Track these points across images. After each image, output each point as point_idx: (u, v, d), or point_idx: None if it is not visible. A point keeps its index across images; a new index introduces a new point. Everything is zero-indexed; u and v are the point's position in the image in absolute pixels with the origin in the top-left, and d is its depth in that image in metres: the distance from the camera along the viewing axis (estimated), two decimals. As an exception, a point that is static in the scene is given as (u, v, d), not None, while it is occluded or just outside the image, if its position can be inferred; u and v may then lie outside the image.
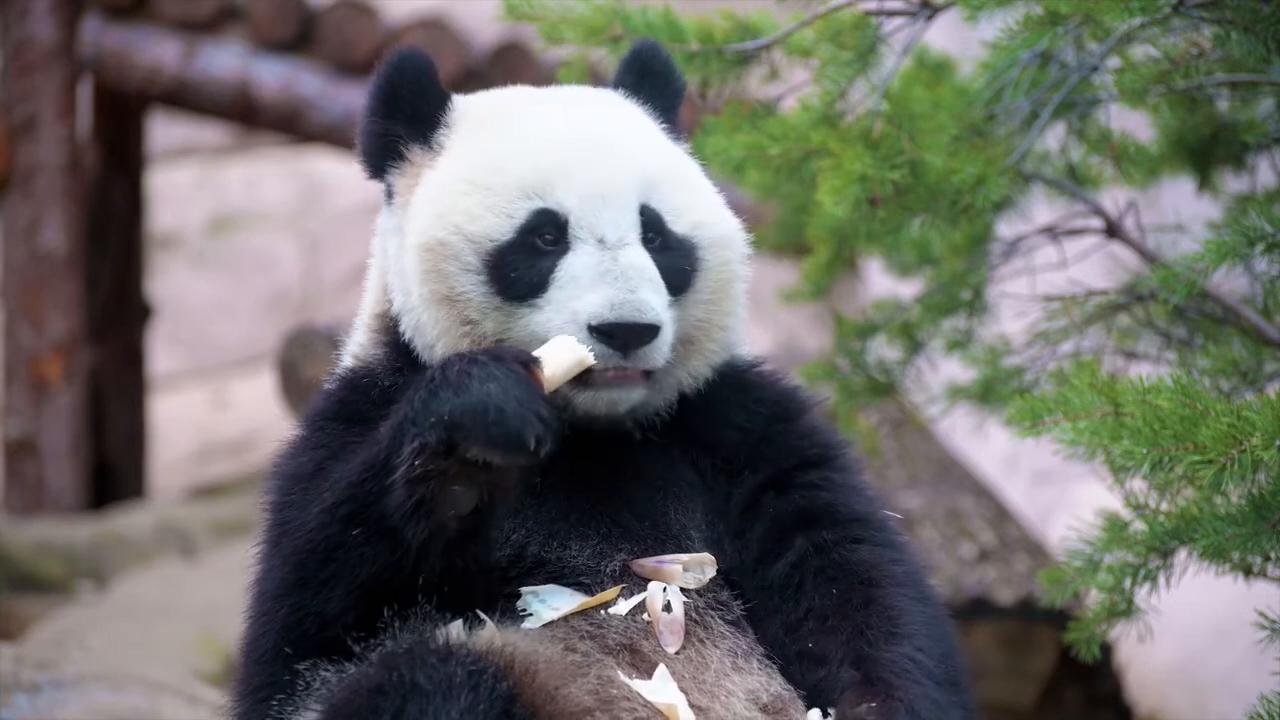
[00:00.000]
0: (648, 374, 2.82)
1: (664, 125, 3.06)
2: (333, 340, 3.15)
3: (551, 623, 2.76)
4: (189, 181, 13.28)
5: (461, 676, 2.60)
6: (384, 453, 2.64)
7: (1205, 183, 4.19)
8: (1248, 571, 3.41)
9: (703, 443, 2.94)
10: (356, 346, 3.04)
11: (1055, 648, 5.66)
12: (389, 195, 3.02)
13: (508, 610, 2.77)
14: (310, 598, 2.72)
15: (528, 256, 2.83)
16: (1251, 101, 3.92)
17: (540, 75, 7.66)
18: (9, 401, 9.25)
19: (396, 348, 2.94)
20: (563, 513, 2.83)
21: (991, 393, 4.21)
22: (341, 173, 12.26)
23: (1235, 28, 3.37)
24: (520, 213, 2.84)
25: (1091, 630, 3.47)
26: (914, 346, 4.31)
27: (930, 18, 3.71)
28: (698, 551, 2.85)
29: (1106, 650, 5.78)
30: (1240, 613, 3.45)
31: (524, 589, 2.79)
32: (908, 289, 4.51)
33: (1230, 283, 3.84)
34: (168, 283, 12.59)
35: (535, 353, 2.68)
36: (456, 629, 2.72)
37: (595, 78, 3.61)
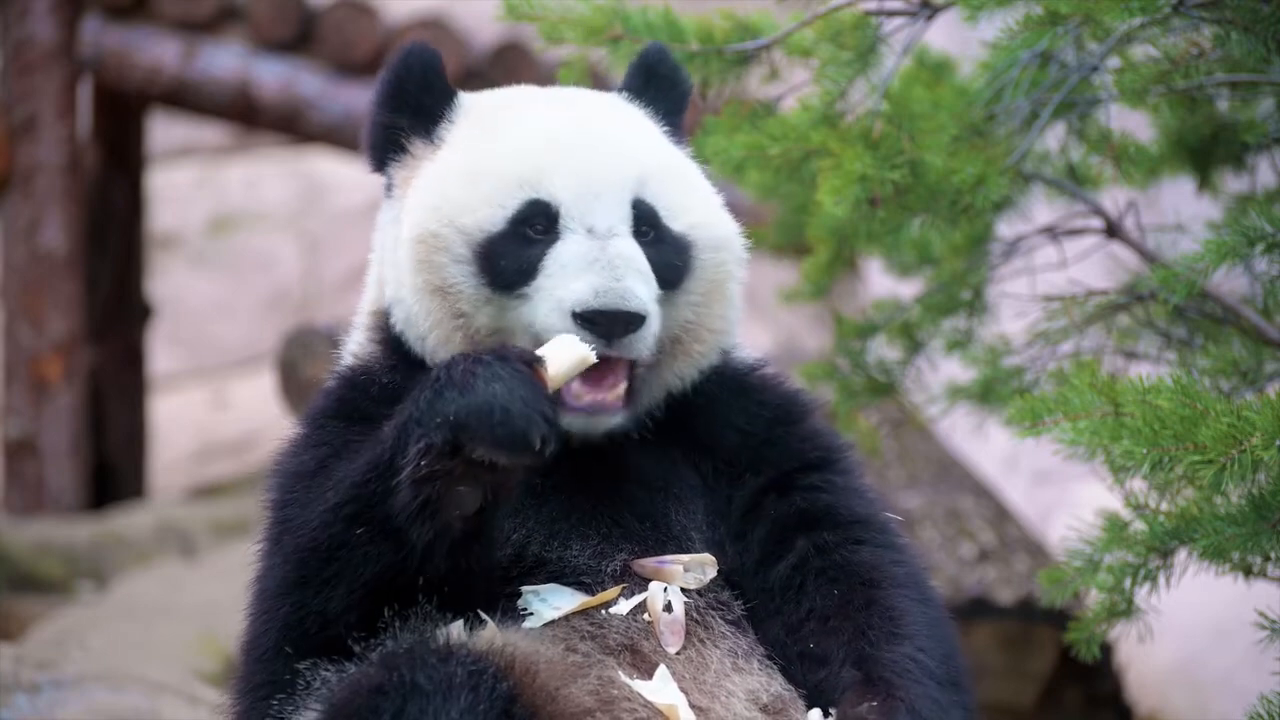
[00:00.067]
0: (629, 396, 2.81)
1: (667, 128, 3.06)
2: (333, 340, 3.16)
3: (552, 623, 2.76)
4: (189, 181, 13.28)
5: (462, 676, 2.60)
6: (388, 453, 2.65)
7: (1205, 183, 4.19)
8: (1248, 571, 3.41)
9: (704, 445, 2.95)
10: (355, 345, 3.04)
11: (1055, 648, 5.66)
12: (389, 189, 3.03)
13: (508, 610, 2.77)
14: (312, 596, 2.72)
15: (518, 246, 2.84)
16: (1251, 101, 3.92)
17: (540, 75, 7.67)
18: (9, 401, 9.25)
19: (391, 344, 2.95)
20: (564, 512, 2.84)
21: (991, 393, 4.21)
22: (341, 173, 12.27)
23: (1235, 28, 3.37)
24: (512, 203, 2.85)
25: (1091, 630, 3.47)
26: (914, 346, 4.31)
27: (930, 18, 3.71)
28: (698, 552, 2.85)
29: (1106, 650, 5.78)
30: (1240, 613, 3.45)
31: (525, 588, 2.79)
32: (908, 289, 4.51)
33: (1230, 283, 3.84)
34: (168, 283, 12.59)
35: (538, 351, 2.68)
36: (457, 629, 2.72)
37: (595, 78, 3.62)
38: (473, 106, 3.01)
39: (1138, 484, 3.35)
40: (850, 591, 2.83)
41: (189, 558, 7.83)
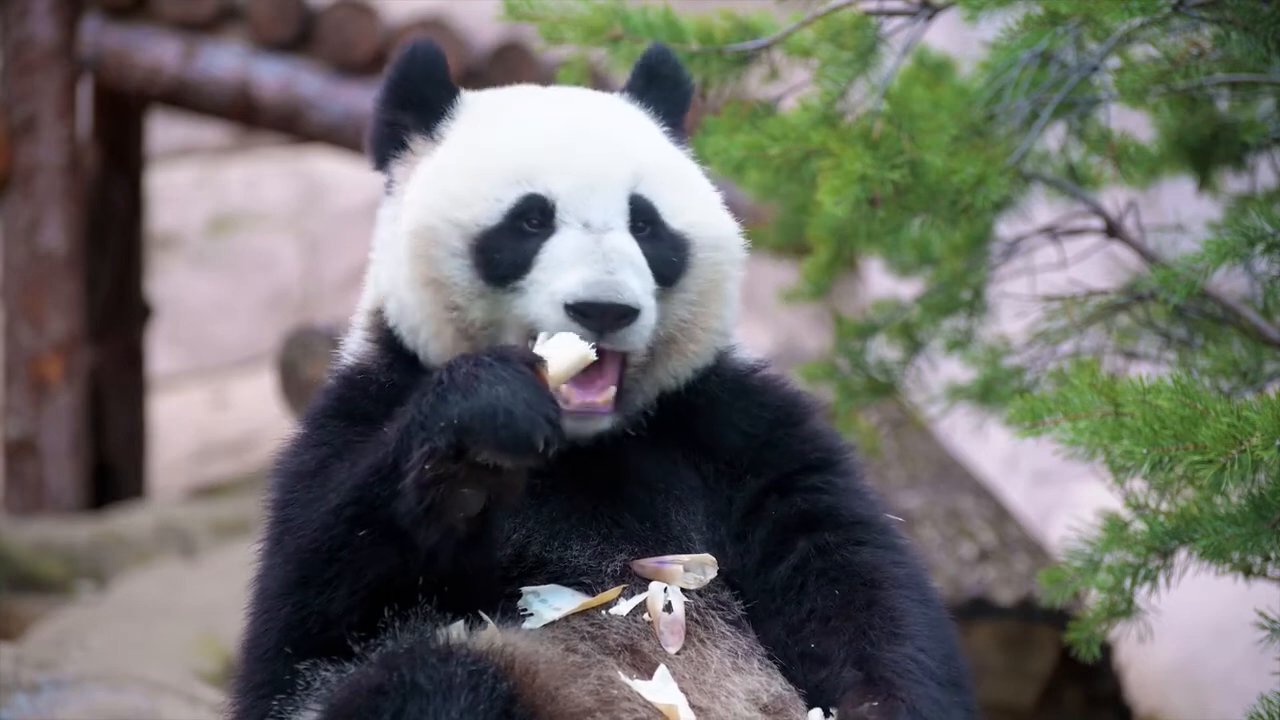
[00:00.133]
0: (620, 396, 2.81)
1: (668, 128, 3.06)
2: (333, 340, 3.16)
3: (552, 623, 2.76)
4: (189, 181, 13.28)
5: (462, 676, 2.60)
6: (392, 456, 2.65)
7: (1205, 183, 4.19)
8: (1248, 571, 3.41)
9: (705, 446, 2.95)
10: (353, 344, 3.05)
11: (1055, 648, 5.66)
12: (389, 185, 3.03)
13: (509, 610, 2.77)
14: (314, 597, 2.72)
15: (513, 240, 2.84)
16: (1251, 101, 3.92)
17: (540, 75, 7.66)
18: (9, 401, 9.25)
19: (387, 343, 2.96)
20: (564, 513, 2.84)
21: (991, 393, 4.21)
22: (341, 173, 12.27)
23: (1235, 28, 3.37)
24: (508, 198, 2.85)
25: (1091, 630, 3.47)
26: (914, 346, 4.31)
27: (930, 18, 3.71)
28: (699, 553, 2.85)
29: (1106, 650, 5.78)
30: (1240, 613, 3.45)
31: (525, 589, 2.79)
32: (908, 289, 4.51)
33: (1230, 283, 3.84)
34: (168, 283, 12.59)
35: (538, 350, 2.68)
36: (457, 629, 2.72)
37: (595, 78, 3.62)
38: (473, 104, 3.02)
39: (1138, 484, 3.36)
40: (851, 592, 2.83)
41: (189, 558, 7.83)
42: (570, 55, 3.73)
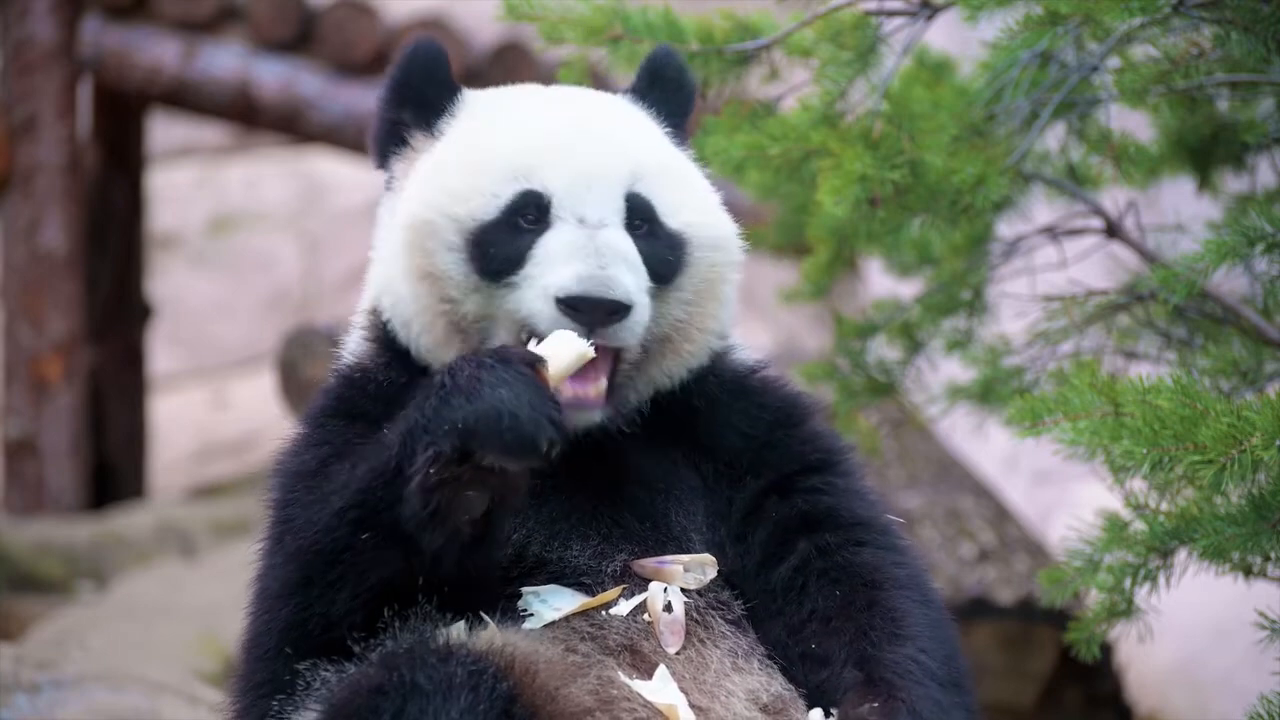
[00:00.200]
0: (611, 390, 2.81)
1: (669, 129, 3.07)
2: (333, 340, 3.17)
3: (552, 623, 2.76)
4: (189, 181, 13.28)
5: (461, 676, 2.60)
6: (395, 460, 2.65)
7: (1205, 183, 4.19)
8: (1248, 571, 3.41)
9: (704, 447, 2.95)
10: (353, 343, 3.05)
11: (1055, 648, 5.66)
12: (389, 182, 3.04)
13: (509, 610, 2.77)
14: (315, 598, 2.72)
15: (508, 235, 2.84)
16: (1251, 101, 3.92)
17: (540, 75, 7.66)
18: (9, 401, 9.25)
19: (385, 341, 2.96)
20: (564, 513, 2.84)
21: (991, 393, 4.21)
22: (341, 173, 12.27)
23: (1235, 28, 3.37)
24: (505, 193, 2.86)
25: (1091, 630, 3.47)
26: (914, 346, 4.31)
27: (930, 18, 3.71)
28: (699, 553, 2.85)
29: (1106, 650, 5.78)
30: (1240, 613, 3.45)
31: (525, 589, 2.79)
32: (908, 289, 4.51)
33: (1230, 283, 3.84)
34: (168, 283, 12.59)
35: (538, 349, 2.68)
36: (457, 629, 2.72)
37: (595, 78, 3.62)
38: (474, 101, 3.02)
39: (1138, 484, 3.35)
40: (852, 593, 2.83)
41: (189, 558, 7.83)
42: (570, 55, 3.73)
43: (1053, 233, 4.14)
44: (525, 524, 2.81)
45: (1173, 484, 3.29)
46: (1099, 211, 4.05)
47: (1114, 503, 3.49)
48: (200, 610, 5.92)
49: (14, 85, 9.15)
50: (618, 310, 2.76)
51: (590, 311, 2.75)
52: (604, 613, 2.78)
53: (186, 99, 9.33)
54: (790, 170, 3.67)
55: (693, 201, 2.97)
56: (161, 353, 12.00)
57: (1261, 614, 3.26)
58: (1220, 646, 5.94)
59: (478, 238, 2.85)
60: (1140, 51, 3.67)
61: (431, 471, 2.60)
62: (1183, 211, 4.26)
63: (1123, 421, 3.07)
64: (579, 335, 2.73)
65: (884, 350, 4.31)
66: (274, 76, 9.14)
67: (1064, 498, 6.60)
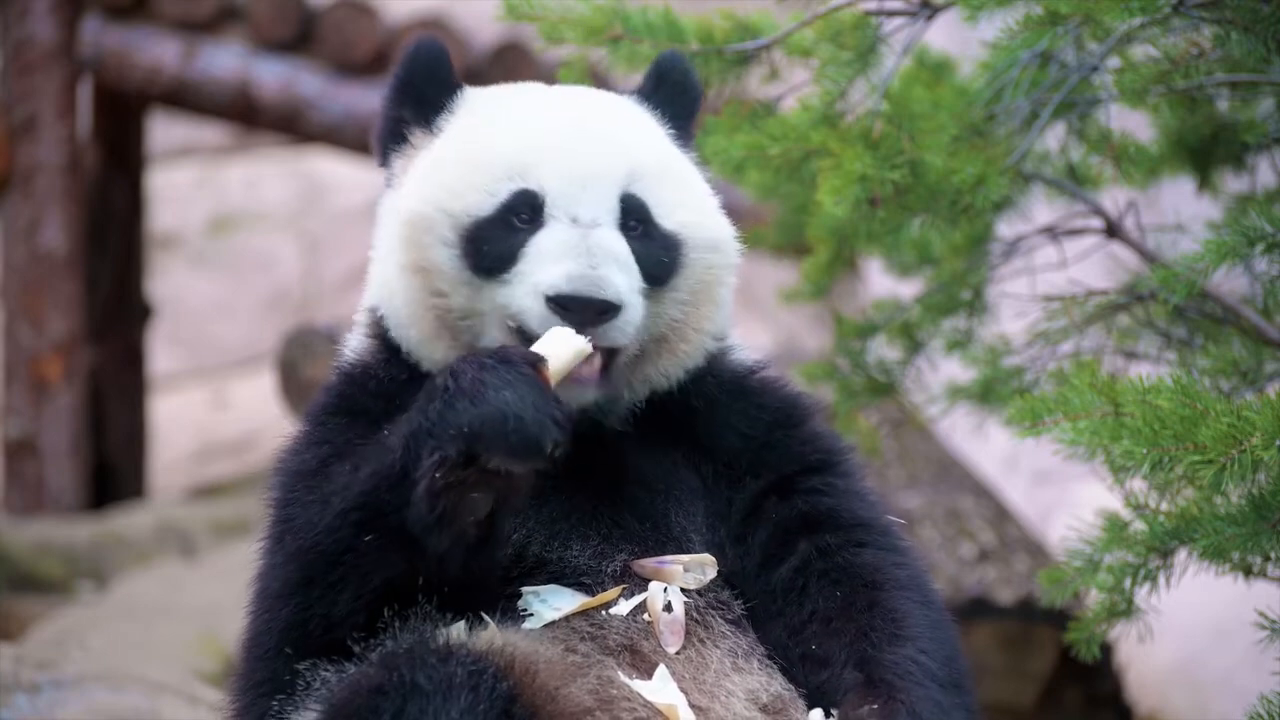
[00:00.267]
0: (606, 370, 2.82)
1: (673, 131, 3.07)
2: (333, 340, 3.17)
3: (552, 623, 2.76)
4: (189, 181, 13.28)
5: (461, 676, 2.60)
6: (399, 463, 2.65)
7: (1205, 183, 4.19)
8: (1248, 571, 3.41)
9: (704, 447, 2.95)
10: (353, 341, 3.06)
11: (1055, 648, 5.66)
12: (389, 180, 3.04)
13: (509, 610, 2.77)
14: (316, 599, 2.72)
15: (502, 232, 2.85)
16: (1251, 101, 3.92)
17: (540, 75, 7.65)
18: (9, 401, 9.25)
19: (384, 339, 2.97)
20: (564, 513, 2.84)
21: (991, 393, 4.21)
22: (341, 173, 12.27)
23: (1235, 28, 3.37)
24: (502, 191, 2.87)
25: (1091, 630, 3.47)
26: (914, 346, 4.31)
27: (930, 18, 3.71)
28: (698, 553, 2.85)
29: (1106, 650, 5.78)
30: (1240, 613, 3.45)
31: (525, 589, 2.79)
32: (908, 289, 4.51)
33: (1230, 283, 3.84)
34: (168, 283, 12.59)
35: (537, 349, 2.69)
36: (457, 629, 2.72)
37: (595, 78, 3.62)
38: (474, 99, 3.03)
39: (1138, 484, 3.35)
40: (853, 593, 2.83)
41: (189, 558, 7.83)
42: (570, 55, 3.73)
43: (1053, 233, 4.14)
44: (525, 524, 2.81)
45: (1173, 484, 3.29)
46: (1099, 211, 4.05)
47: (1114, 503, 3.49)
48: (200, 610, 5.92)
49: (14, 85, 9.14)
50: (607, 310, 2.77)
51: (580, 311, 2.76)
52: (604, 613, 2.78)
53: (186, 99, 9.33)
54: (790, 170, 3.67)
55: (690, 203, 2.97)
56: (161, 353, 12.00)
57: (1261, 614, 3.25)
58: (1220, 646, 5.94)
59: (472, 234, 2.86)
60: (1140, 51, 3.67)
61: (438, 475, 2.60)
62: (1183, 211, 4.26)
63: (1123, 421, 3.07)
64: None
65: (884, 350, 4.31)
66: (274, 76, 9.14)
67: (1064, 498, 6.60)
